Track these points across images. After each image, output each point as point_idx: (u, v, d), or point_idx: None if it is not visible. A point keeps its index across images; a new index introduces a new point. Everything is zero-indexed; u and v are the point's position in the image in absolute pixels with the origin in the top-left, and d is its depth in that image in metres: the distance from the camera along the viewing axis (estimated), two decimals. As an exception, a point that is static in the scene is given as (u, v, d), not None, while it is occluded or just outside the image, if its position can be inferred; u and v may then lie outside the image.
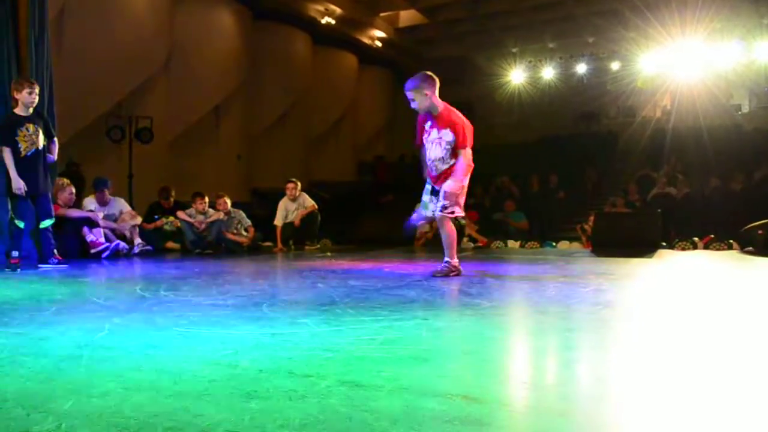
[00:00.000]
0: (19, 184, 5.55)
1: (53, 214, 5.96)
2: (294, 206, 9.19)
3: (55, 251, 5.90)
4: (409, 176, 16.91)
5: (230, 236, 8.79)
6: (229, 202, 9.01)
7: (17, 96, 5.66)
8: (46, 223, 5.83)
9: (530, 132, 18.55)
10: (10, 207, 5.69)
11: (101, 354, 2.19)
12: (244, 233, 9.04)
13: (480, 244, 10.19)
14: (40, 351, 2.23)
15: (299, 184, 9.34)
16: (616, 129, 18.05)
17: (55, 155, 6.00)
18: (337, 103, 18.01)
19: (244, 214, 9.19)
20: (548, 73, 16.84)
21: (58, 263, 5.82)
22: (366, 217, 10.48)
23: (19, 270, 5.44)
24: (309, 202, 9.25)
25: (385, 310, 3.10)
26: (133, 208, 8.44)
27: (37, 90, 5.72)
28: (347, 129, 18.75)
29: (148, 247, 7.82)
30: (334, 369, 1.96)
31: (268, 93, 15.24)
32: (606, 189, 14.13)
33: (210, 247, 8.54)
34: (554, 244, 10.18)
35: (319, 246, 9.21)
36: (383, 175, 18.01)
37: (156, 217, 8.87)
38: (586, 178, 14.29)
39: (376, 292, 3.89)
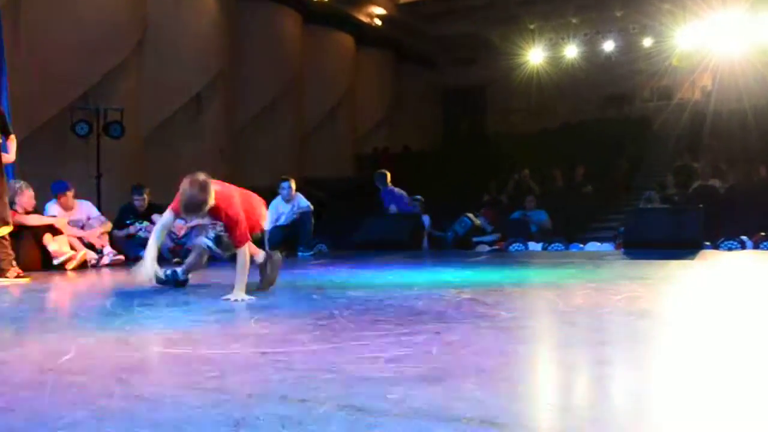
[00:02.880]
0: None
1: (10, 220, 5.94)
2: (288, 208, 9.18)
3: (14, 263, 5.89)
4: (417, 169, 16.95)
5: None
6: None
7: None
8: (3, 231, 5.82)
9: (552, 118, 18.55)
10: None
11: (68, 379, 2.18)
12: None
13: (497, 247, 10.18)
14: (-2, 377, 2.22)
15: (294, 182, 9.33)
16: (649, 113, 18.04)
17: (12, 154, 5.99)
18: (332, 90, 18.01)
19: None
20: (571, 51, 16.83)
21: (17, 276, 5.81)
22: (367, 217, 10.48)
23: None
24: (304, 204, 9.24)
25: (390, 324, 3.09)
26: (102, 212, 8.44)
27: None
28: (344, 118, 18.75)
29: (120, 257, 7.81)
30: (333, 392, 1.95)
31: (254, 79, 15.25)
32: (639, 182, 14.11)
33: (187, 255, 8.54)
34: (581, 245, 10.17)
35: (314, 251, 9.19)
36: (385, 169, 18.04)
37: (128, 222, 8.84)
38: (616, 170, 14.28)
39: (380, 303, 3.87)
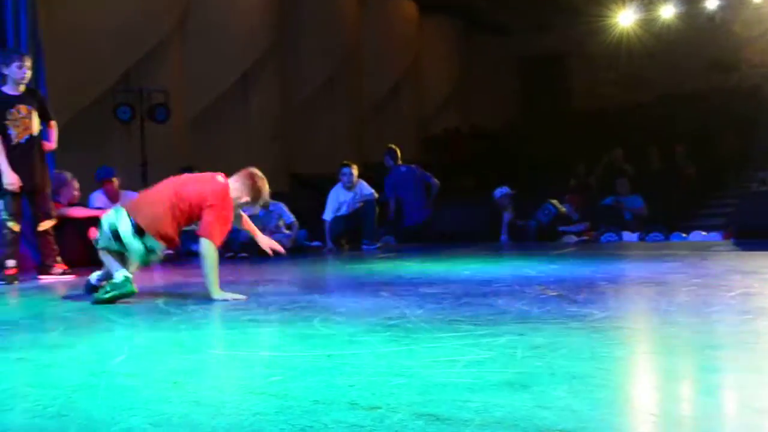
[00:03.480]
0: (11, 179, 5.76)
1: (53, 213, 6.17)
2: (350, 196, 9.25)
3: (59, 259, 6.12)
4: (492, 151, 16.80)
5: (268, 235, 8.93)
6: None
7: (5, 71, 5.87)
8: (46, 225, 6.05)
9: (645, 89, 18.09)
10: (2, 206, 5.92)
11: (121, 383, 2.27)
12: (286, 231, 9.17)
13: (585, 238, 10.04)
14: (47, 380, 2.33)
15: (356, 168, 9.38)
16: (762, 81, 17.42)
17: (54, 142, 6.22)
18: (394, 65, 17.98)
19: (285, 207, 9.31)
20: (667, 11, 16.37)
21: (63, 273, 6.03)
22: (437, 206, 10.46)
23: (16, 283, 5.68)
24: (368, 191, 9.29)
25: (469, 324, 3.11)
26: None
27: (28, 63, 5.91)
28: (408, 96, 18.72)
29: (169, 251, 8.02)
30: (407, 398, 1.97)
31: (308, 56, 15.35)
32: (752, 161, 13.68)
33: (244, 249, 8.69)
34: (683, 235, 9.94)
35: (380, 244, 9.25)
36: (458, 152, 17.94)
37: (178, 212, 9.09)
38: (724, 148, 13.87)
39: (456, 301, 3.89)
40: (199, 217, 4.28)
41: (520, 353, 2.51)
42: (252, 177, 4.51)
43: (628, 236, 10.10)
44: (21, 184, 5.78)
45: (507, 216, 9.92)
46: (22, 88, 5.91)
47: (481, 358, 2.44)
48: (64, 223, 6.79)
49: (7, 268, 5.75)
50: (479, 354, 2.51)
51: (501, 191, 10.16)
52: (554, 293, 4.08)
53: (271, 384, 2.17)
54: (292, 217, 9.19)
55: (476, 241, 8.99)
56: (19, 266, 5.92)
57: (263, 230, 8.99)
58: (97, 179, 8.08)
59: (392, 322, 3.21)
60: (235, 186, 4.47)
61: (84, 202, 7.77)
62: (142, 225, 4.23)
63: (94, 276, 4.60)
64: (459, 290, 4.36)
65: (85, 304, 4.08)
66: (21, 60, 5.86)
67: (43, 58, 7.25)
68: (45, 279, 5.96)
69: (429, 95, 19.59)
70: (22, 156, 5.84)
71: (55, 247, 6.11)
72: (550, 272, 5.36)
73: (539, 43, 20.08)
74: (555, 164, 14.24)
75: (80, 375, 2.37)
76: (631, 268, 5.91)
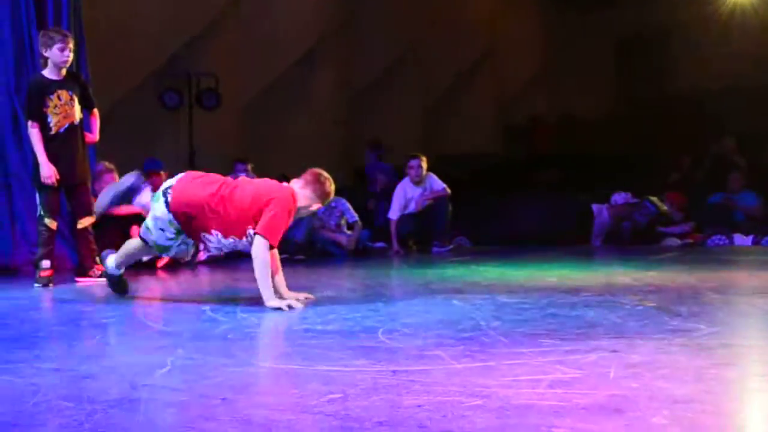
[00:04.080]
0: (48, 171, 5.88)
1: (94, 210, 6.31)
2: (418, 192, 9.23)
3: (98, 260, 6.25)
4: (583, 142, 16.55)
5: (328, 234, 8.98)
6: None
7: (46, 54, 6.00)
8: (86, 222, 6.18)
9: (761, 70, 17.60)
10: (38, 201, 6.07)
11: (164, 397, 2.30)
12: (348, 231, 9.21)
13: (690, 240, 9.82)
14: (84, 393, 2.37)
15: (425, 161, 9.36)
16: None
17: (96, 134, 6.33)
18: (470, 44, 17.85)
19: (347, 204, 9.35)
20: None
21: (101, 275, 6.15)
22: (519, 204, 10.36)
23: (51, 285, 5.82)
24: (439, 186, 9.26)
25: (554, 338, 3.08)
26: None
27: (71, 45, 6.02)
28: (486, 80, 18.57)
29: (220, 252, 8.13)
30: (484, 422, 1.95)
31: (375, 34, 15.37)
32: None
33: (300, 250, 8.75)
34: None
35: (452, 246, 9.21)
36: (542, 143, 17.74)
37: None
38: None
39: (539, 311, 3.86)
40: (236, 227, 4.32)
41: (614, 373, 2.48)
42: (320, 180, 4.50)
43: (740, 239, 9.84)
44: (58, 178, 5.89)
45: (627, 225, 9.74)
46: (63, 72, 6.00)
47: (569, 378, 2.41)
48: (103, 220, 6.93)
49: (42, 269, 5.87)
50: (566, 373, 2.48)
51: (622, 197, 9.95)
52: (653, 304, 4.02)
53: (329, 402, 2.17)
54: (354, 216, 9.21)
55: (562, 243, 8.87)
56: (55, 267, 6.06)
57: (322, 229, 9.10)
58: (144, 171, 8.21)
59: (466, 335, 3.20)
60: (305, 193, 4.45)
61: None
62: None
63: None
64: (543, 299, 4.31)
65: (125, 309, 4.16)
66: (64, 41, 5.88)
67: (84, 39, 7.42)
68: (82, 281, 6.10)
69: (510, 79, 19.39)
70: (62, 146, 5.92)
71: (95, 246, 6.22)
72: (648, 280, 5.27)
73: (639, 17, 19.70)
74: (655, 157, 13.95)
75: (120, 388, 2.41)
76: (744, 277, 5.77)
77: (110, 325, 3.88)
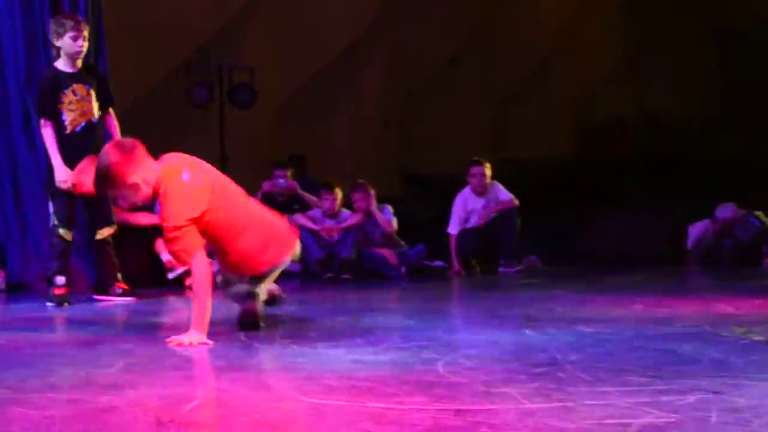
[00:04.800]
0: (62, 175, 5.92)
1: (114, 219, 6.35)
2: (481, 204, 9.20)
3: (119, 276, 6.31)
4: (673, 147, 16.33)
5: (376, 251, 8.99)
6: (373, 195, 9.22)
7: (57, 43, 6.06)
8: (105, 233, 6.23)
9: None
10: (52, 210, 6.13)
11: (195, 435, 2.32)
12: (400, 244, 9.21)
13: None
14: (104, 428, 2.41)
15: (489, 168, 9.33)
16: None
17: (116, 131, 6.37)
18: (542, 35, 17.80)
19: (389, 209, 9.36)
20: None
21: (123, 294, 6.22)
22: (599, 217, 10.27)
23: (66, 305, 5.90)
24: (505, 197, 9.22)
25: (643, 376, 3.04)
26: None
27: (86, 33, 6.06)
28: (559, 75, 18.43)
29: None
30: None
31: (430, 23, 15.38)
32: None
33: (346, 268, 8.77)
34: None
35: (522, 266, 9.16)
36: (625, 146, 17.56)
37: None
38: None
39: (625, 344, 3.82)
40: None
41: (715, 417, 2.44)
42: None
43: None
44: (75, 183, 5.92)
45: (728, 243, 9.59)
46: (78, 63, 6.06)
47: (662, 423, 2.38)
48: (125, 231, 7.00)
49: (57, 286, 5.95)
50: (659, 416, 2.45)
51: (729, 209, 9.76)
52: (761, 338, 3.95)
53: (384, 445, 2.17)
54: (396, 227, 9.21)
55: (651, 263, 8.76)
56: (70, 284, 6.12)
57: (367, 244, 9.10)
58: None
59: (540, 370, 3.18)
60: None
61: (150, 206, 7.99)
62: None
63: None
64: (629, 329, 4.26)
65: (149, 333, 4.20)
66: (77, 29, 5.95)
67: (104, 28, 7.52)
68: (102, 300, 6.16)
69: (589, 75, 19.23)
70: (78, 147, 5.96)
71: (115, 260, 6.28)
72: (753, 308, 5.17)
73: (743, 7, 19.44)
74: (760, 165, 13.73)
75: (144, 423, 2.44)
76: None
77: (133, 351, 3.92)
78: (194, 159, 4.40)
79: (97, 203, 6.06)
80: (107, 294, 6.18)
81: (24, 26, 7.00)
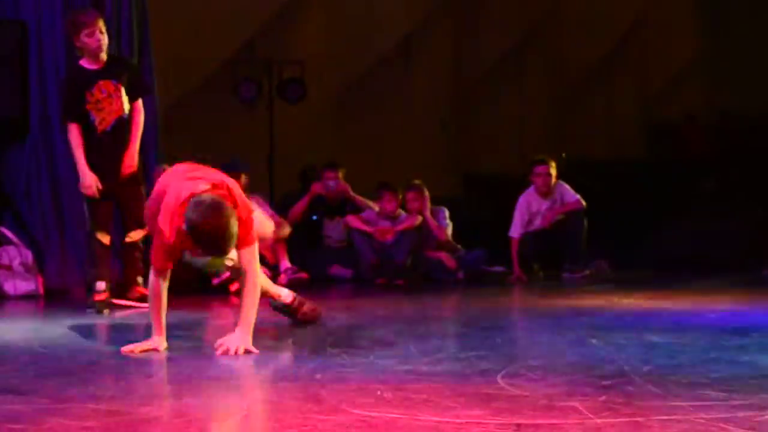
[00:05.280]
0: (89, 181, 5.94)
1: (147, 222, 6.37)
2: (545, 205, 9.15)
3: (140, 280, 6.33)
4: (750, 145, 16.11)
5: (434, 255, 8.98)
6: (427, 197, 9.22)
7: (76, 42, 6.04)
8: (136, 236, 6.25)
9: None
10: (87, 214, 6.17)
11: (241, 449, 2.33)
12: (457, 248, 9.19)
13: None
14: (148, 441, 2.43)
15: (554, 167, 9.27)
16: None
17: (138, 128, 6.20)
18: (609, 24, 17.65)
19: (445, 212, 9.35)
20: None
21: (140, 299, 6.23)
22: (671, 219, 10.17)
23: (107, 312, 5.93)
24: (572, 198, 9.16)
25: (719, 389, 3.00)
26: (276, 210, 8.89)
27: (101, 26, 6.02)
28: (628, 67, 18.32)
29: (302, 275, 8.21)
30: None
31: (489, 12, 15.33)
32: None
33: (401, 273, 8.77)
34: None
35: (588, 272, 9.10)
36: (697, 145, 17.37)
37: (314, 217, 9.26)
38: None
39: (699, 355, 3.78)
40: None
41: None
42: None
43: None
44: (100, 187, 5.95)
45: None
46: (102, 57, 6.01)
47: (741, 440, 2.34)
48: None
49: (97, 292, 6.01)
50: (737, 434, 2.41)
51: None
52: None
53: (440, 460, 2.16)
54: (444, 223, 9.21)
55: (727, 269, 8.64)
56: (111, 289, 6.18)
57: (423, 248, 9.09)
58: (225, 172, 8.28)
59: (607, 382, 3.15)
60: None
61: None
62: None
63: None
64: (703, 340, 4.23)
65: (193, 341, 4.23)
66: (90, 25, 5.93)
67: (148, 23, 7.61)
68: (119, 304, 6.18)
69: (659, 67, 19.08)
70: (111, 147, 6.02)
71: (140, 265, 6.31)
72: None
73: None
74: None
75: (188, 435, 2.46)
76: None
77: (176, 360, 3.95)
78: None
79: (128, 205, 6.10)
80: (126, 298, 6.23)
81: (65, 18, 7.07)
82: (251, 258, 4.21)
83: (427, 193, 9.19)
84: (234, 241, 3.92)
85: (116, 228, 6.39)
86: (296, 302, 4.85)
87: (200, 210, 3.85)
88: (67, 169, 7.05)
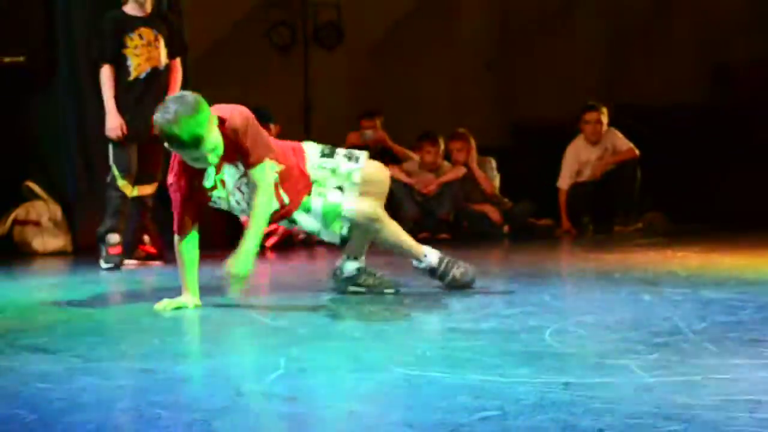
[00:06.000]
0: (114, 122, 6.07)
1: (157, 176, 6.43)
2: (596, 154, 9.10)
3: (146, 239, 6.41)
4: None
5: (479, 208, 8.99)
6: (473, 147, 9.20)
7: None
8: (144, 191, 6.33)
9: None
10: (111, 159, 6.23)
11: (277, 408, 2.35)
12: (503, 201, 9.19)
13: None
14: (180, 399, 2.46)
15: (605, 114, 9.20)
16: None
17: (176, 84, 6.36)
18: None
19: (493, 164, 9.34)
20: None
21: (146, 258, 6.36)
22: (732, 170, 10.07)
23: (121, 267, 6.08)
24: (624, 146, 9.10)
25: (780, 347, 2.99)
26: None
27: None
28: (685, 10, 18.08)
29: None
30: (686, 453, 1.93)
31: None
32: None
33: (444, 227, 8.79)
34: None
35: (641, 225, 9.06)
36: (754, 92, 17.11)
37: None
38: None
39: (759, 311, 3.76)
40: None
41: None
42: None
43: None
44: (125, 132, 6.07)
45: None
46: (147, 7, 6.19)
47: (801, 400, 2.33)
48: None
49: (110, 245, 6.10)
50: (797, 392, 2.40)
51: None
52: None
53: (483, 421, 2.17)
54: (493, 174, 9.20)
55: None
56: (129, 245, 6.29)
57: (467, 201, 9.09)
58: None
59: (660, 340, 3.15)
60: None
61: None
62: None
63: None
64: (764, 296, 4.20)
65: (227, 298, 4.28)
66: None
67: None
68: (130, 264, 6.28)
69: (717, 9, 18.77)
70: (143, 94, 6.14)
71: (147, 222, 6.47)
72: None
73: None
74: None
75: (223, 395, 2.48)
76: None
77: (209, 318, 4.00)
78: None
79: (146, 159, 6.21)
80: (131, 257, 6.31)
81: None
82: (261, 174, 4.13)
83: (473, 143, 9.17)
84: (194, 135, 3.85)
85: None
86: (445, 264, 4.57)
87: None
88: (97, 120, 7.10)
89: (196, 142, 3.87)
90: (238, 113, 4.13)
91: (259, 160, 4.10)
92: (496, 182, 9.35)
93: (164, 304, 4.15)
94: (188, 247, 4.25)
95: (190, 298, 4.22)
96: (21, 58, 7.31)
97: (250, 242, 4.09)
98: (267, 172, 4.14)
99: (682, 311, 3.76)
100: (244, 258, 4.06)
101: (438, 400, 2.40)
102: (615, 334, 3.37)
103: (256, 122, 4.22)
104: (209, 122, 3.93)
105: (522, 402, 2.34)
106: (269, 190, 4.14)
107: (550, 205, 9.48)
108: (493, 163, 9.44)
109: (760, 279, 4.91)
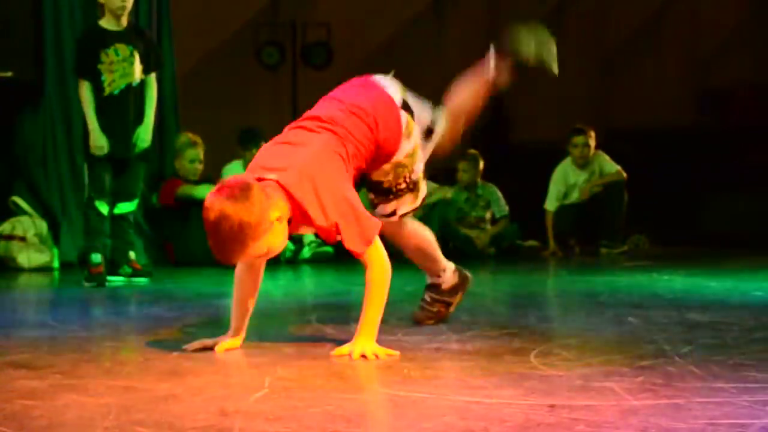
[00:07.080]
0: (99, 140, 6.05)
1: (138, 193, 6.48)
2: (583, 177, 9.12)
3: (132, 255, 6.40)
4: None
5: (465, 231, 8.98)
6: (480, 168, 9.22)
7: None
8: (125, 208, 6.34)
9: None
10: (87, 180, 6.24)
11: (261, 427, 2.34)
12: (488, 226, 9.18)
13: None
14: (164, 418, 2.44)
15: (593, 136, 9.23)
16: None
17: (151, 101, 6.35)
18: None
19: (498, 194, 9.34)
20: None
21: (133, 274, 6.33)
22: (717, 193, 10.10)
23: (105, 285, 6.05)
24: (611, 169, 9.12)
25: (766, 372, 2.99)
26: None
27: None
28: (676, 30, 18.17)
29: (325, 249, 8.23)
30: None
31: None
32: None
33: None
34: None
35: (627, 247, 9.08)
36: (741, 114, 17.19)
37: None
38: None
39: (744, 335, 3.76)
40: None
41: None
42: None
43: None
44: (108, 150, 6.07)
45: None
46: (123, 21, 6.17)
47: (787, 427, 2.33)
48: (185, 205, 7.09)
49: (93, 265, 6.09)
50: (783, 420, 2.40)
51: None
52: None
53: (469, 442, 2.18)
54: (505, 209, 9.19)
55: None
56: (107, 263, 6.26)
57: (459, 223, 9.09)
58: (240, 144, 8.33)
59: (646, 362, 3.15)
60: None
61: (215, 176, 8.08)
62: None
63: None
64: (749, 319, 4.21)
65: (211, 315, 4.26)
66: None
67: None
68: (114, 281, 6.27)
69: (709, 29, 18.87)
70: (116, 111, 6.13)
71: (132, 240, 6.45)
72: None
73: None
74: None
75: (206, 414, 2.47)
76: None
77: (193, 335, 3.97)
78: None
79: (126, 177, 6.25)
80: (116, 274, 6.29)
81: None
82: (372, 254, 3.45)
83: (481, 164, 9.20)
84: (236, 251, 3.29)
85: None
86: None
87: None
88: (84, 136, 7.13)
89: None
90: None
91: (366, 245, 3.41)
92: (506, 208, 9.35)
93: (196, 345, 3.54)
94: (248, 275, 3.63)
95: (231, 339, 3.55)
96: (9, 73, 7.29)
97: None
98: (379, 250, 3.47)
99: (668, 334, 3.77)
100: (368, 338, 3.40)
101: (423, 420, 2.40)
102: (600, 356, 3.36)
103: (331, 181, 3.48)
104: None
105: (507, 423, 2.33)
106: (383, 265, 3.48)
107: (536, 227, 9.50)
108: (495, 189, 9.44)
109: (745, 302, 4.92)
